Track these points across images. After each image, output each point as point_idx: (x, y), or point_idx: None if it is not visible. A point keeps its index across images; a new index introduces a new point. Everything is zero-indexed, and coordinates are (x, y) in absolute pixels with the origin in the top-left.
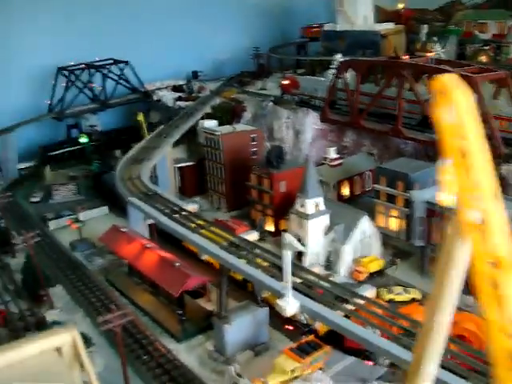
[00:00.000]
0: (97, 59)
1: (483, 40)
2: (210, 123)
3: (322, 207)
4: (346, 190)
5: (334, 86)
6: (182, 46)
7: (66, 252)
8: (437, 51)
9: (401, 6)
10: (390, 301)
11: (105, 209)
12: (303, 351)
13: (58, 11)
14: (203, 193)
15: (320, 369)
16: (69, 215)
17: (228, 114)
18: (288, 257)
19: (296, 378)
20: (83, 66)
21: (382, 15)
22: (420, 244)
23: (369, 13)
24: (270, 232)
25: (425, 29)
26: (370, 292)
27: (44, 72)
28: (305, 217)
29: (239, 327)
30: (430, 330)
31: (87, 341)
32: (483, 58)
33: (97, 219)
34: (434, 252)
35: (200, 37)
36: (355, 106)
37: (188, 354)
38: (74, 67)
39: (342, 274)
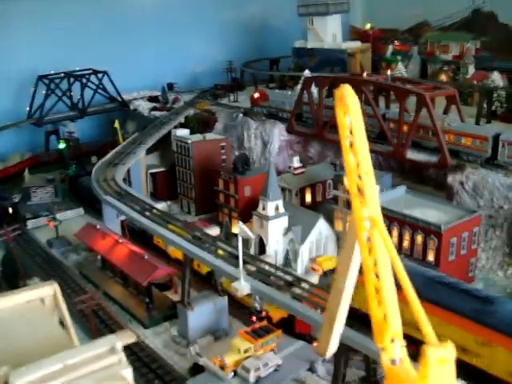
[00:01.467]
0: (77, 69)
1: (443, 60)
2: (183, 132)
3: (282, 210)
4: (308, 197)
5: (300, 100)
6: (159, 57)
7: (43, 248)
8: (399, 70)
9: (368, 26)
10: None
11: (80, 210)
12: (257, 334)
13: (40, 19)
14: (174, 198)
15: (271, 350)
16: (46, 215)
17: (200, 124)
18: (240, 243)
19: (249, 357)
20: (63, 74)
21: (353, 34)
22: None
23: (337, 31)
24: (235, 234)
25: (390, 48)
26: (314, 279)
27: (24, 79)
28: (265, 218)
29: (200, 313)
30: (340, 291)
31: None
32: (443, 78)
33: (72, 219)
34: None
35: (177, 49)
36: (319, 119)
37: (154, 338)
38: (54, 76)
39: (299, 271)
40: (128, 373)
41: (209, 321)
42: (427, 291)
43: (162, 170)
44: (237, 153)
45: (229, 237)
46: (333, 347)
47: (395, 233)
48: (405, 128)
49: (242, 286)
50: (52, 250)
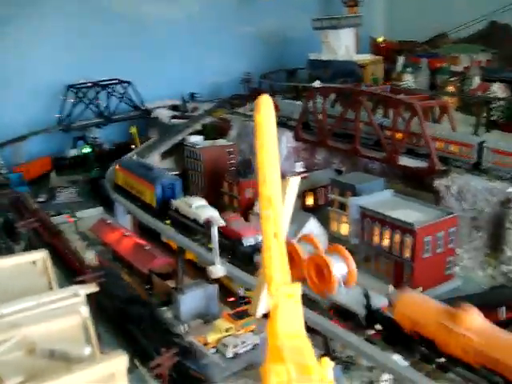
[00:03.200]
0: (103, 79)
1: (451, 72)
2: (196, 138)
3: None
4: (310, 200)
5: (305, 110)
6: (182, 68)
7: None
8: (407, 80)
9: (380, 39)
10: None
11: (100, 209)
12: (238, 316)
13: (69, 34)
14: None
15: (252, 331)
16: (67, 213)
17: (215, 131)
18: (215, 231)
19: (229, 335)
20: (90, 84)
21: (373, 46)
22: (355, 242)
23: (350, 44)
24: None
25: (401, 60)
26: None
27: (54, 89)
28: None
29: (192, 299)
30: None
31: None
32: (451, 89)
33: (92, 217)
34: (368, 250)
35: (200, 61)
36: (322, 127)
37: None
38: (82, 85)
39: None
40: (84, 310)
41: (199, 306)
42: None
43: (175, 173)
44: (251, 158)
45: None
46: (262, 308)
47: (377, 231)
48: (398, 135)
49: (217, 269)
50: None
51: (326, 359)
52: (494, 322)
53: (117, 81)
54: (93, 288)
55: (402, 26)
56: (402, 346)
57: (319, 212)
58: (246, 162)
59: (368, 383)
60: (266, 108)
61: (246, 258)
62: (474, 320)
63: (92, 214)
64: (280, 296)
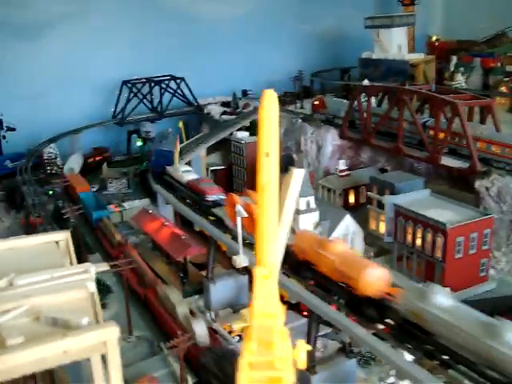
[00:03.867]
0: (158, 75)
1: (504, 71)
2: (242, 134)
3: (313, 205)
4: (351, 198)
5: (351, 108)
6: (236, 66)
7: None
8: (459, 81)
9: (434, 38)
10: None
11: (147, 200)
12: None
13: (126, 33)
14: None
15: None
16: (116, 203)
17: None
18: (239, 222)
19: None
20: (144, 80)
21: (427, 45)
22: (389, 240)
23: (403, 43)
24: None
25: (454, 59)
26: None
27: (110, 84)
28: (297, 212)
29: (222, 288)
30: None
31: (108, 288)
32: (503, 89)
33: (138, 208)
34: (401, 249)
35: (254, 58)
36: (367, 125)
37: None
38: (136, 81)
39: None
40: (91, 285)
41: (229, 295)
42: None
43: (221, 167)
44: (295, 156)
45: None
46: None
47: (410, 230)
48: (441, 135)
49: (241, 259)
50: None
51: (302, 341)
52: None
53: (170, 77)
54: (104, 267)
55: (461, 25)
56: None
57: (360, 210)
58: (286, 157)
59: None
60: (269, 103)
61: (208, 210)
62: (337, 247)
63: (139, 205)
64: (256, 277)
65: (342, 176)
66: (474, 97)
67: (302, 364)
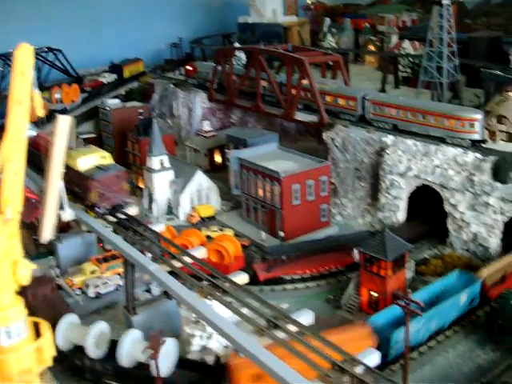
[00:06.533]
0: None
1: (373, 31)
2: (112, 101)
3: (167, 164)
4: (218, 158)
5: (216, 71)
6: (123, 35)
7: None
8: (330, 41)
9: (309, 1)
10: (208, 236)
11: None
12: (104, 260)
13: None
14: None
15: (118, 274)
16: None
17: (139, 95)
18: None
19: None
20: None
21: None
22: (237, 193)
23: (277, 6)
24: (140, 188)
25: (327, 22)
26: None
27: None
28: (152, 171)
29: (69, 246)
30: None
31: None
32: (371, 47)
33: None
34: (248, 200)
35: (140, 27)
36: (230, 86)
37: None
38: (9, 53)
39: (181, 218)
40: None
41: (77, 253)
42: None
43: (92, 135)
44: (169, 120)
45: (133, 191)
46: (47, 234)
47: (252, 181)
48: (294, 92)
49: (66, 214)
50: None
51: (25, 260)
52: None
53: (46, 49)
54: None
55: None
56: None
57: (226, 169)
58: (145, 121)
59: None
60: (22, 55)
61: None
62: None
63: None
64: None
65: (208, 137)
66: (325, 54)
67: (24, 280)
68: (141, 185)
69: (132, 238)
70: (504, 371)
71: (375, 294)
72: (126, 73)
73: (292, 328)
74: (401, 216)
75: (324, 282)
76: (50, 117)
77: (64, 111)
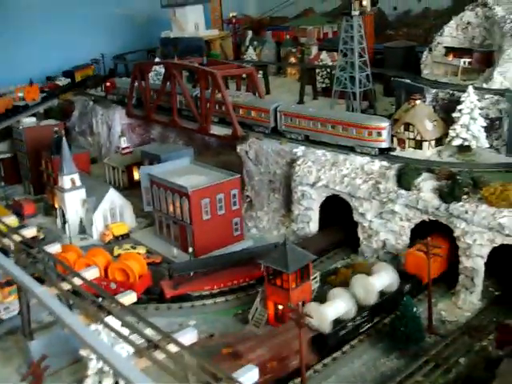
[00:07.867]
0: None
1: (293, 43)
2: (29, 120)
3: (78, 183)
4: (136, 175)
5: (133, 86)
6: (44, 51)
7: None
8: (249, 54)
9: (231, 14)
10: (119, 255)
11: None
12: (7, 284)
13: None
14: (21, 181)
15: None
16: None
17: (59, 113)
18: None
19: None
20: None
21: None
22: (148, 209)
23: (200, 21)
24: (54, 208)
25: (249, 34)
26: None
27: None
28: (63, 191)
29: None
30: None
31: None
32: (293, 59)
33: None
34: (160, 217)
35: (62, 43)
36: (146, 102)
37: None
38: None
39: (94, 237)
40: None
41: None
42: None
43: (8, 155)
44: (89, 138)
45: (49, 211)
46: None
47: (163, 197)
48: (208, 105)
49: None
50: None
51: None
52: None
53: None
54: None
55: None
56: None
57: None
58: (57, 140)
59: None
60: None
61: None
62: None
63: None
64: None
65: (125, 153)
66: (239, 67)
67: None
68: (56, 205)
69: (24, 261)
70: (406, 378)
71: (281, 307)
72: (78, 77)
73: (173, 348)
74: (313, 227)
75: (233, 296)
76: None
77: None
